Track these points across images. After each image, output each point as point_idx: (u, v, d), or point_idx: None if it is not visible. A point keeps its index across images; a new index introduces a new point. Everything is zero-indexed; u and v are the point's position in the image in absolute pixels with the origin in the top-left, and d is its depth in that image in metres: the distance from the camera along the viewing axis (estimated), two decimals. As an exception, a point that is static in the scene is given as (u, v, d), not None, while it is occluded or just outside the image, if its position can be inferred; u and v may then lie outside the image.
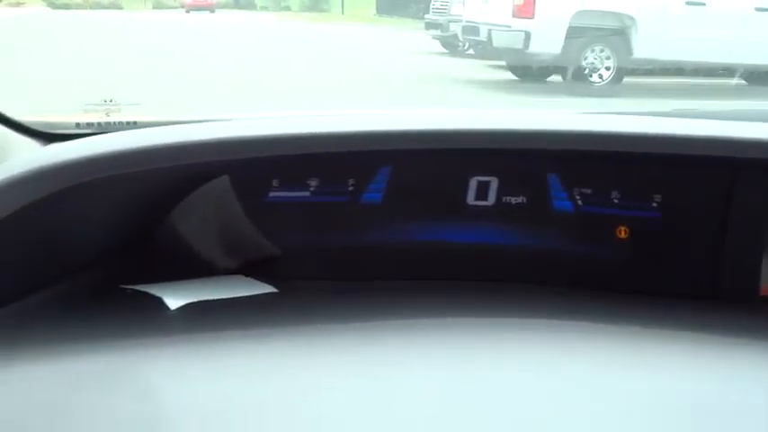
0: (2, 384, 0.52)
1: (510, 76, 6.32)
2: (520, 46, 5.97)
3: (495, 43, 6.22)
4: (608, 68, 5.99)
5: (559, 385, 0.54)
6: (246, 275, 0.78)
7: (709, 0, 6.00)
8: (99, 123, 0.91)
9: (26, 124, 0.88)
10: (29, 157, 0.65)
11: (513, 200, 0.81)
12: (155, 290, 0.71)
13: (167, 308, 0.67)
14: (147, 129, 0.67)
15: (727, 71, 6.16)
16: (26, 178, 0.61)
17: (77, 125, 0.91)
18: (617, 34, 6.08)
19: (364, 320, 0.66)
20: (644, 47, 5.96)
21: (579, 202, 0.81)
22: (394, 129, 0.70)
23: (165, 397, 0.51)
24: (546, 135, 0.72)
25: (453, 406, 0.51)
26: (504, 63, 6.46)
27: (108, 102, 0.94)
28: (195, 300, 0.69)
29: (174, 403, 0.50)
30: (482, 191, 0.81)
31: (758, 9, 5.97)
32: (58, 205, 0.65)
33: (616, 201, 0.80)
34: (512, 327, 0.66)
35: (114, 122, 0.91)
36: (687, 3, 5.99)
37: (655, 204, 0.80)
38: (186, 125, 0.71)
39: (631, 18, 6.02)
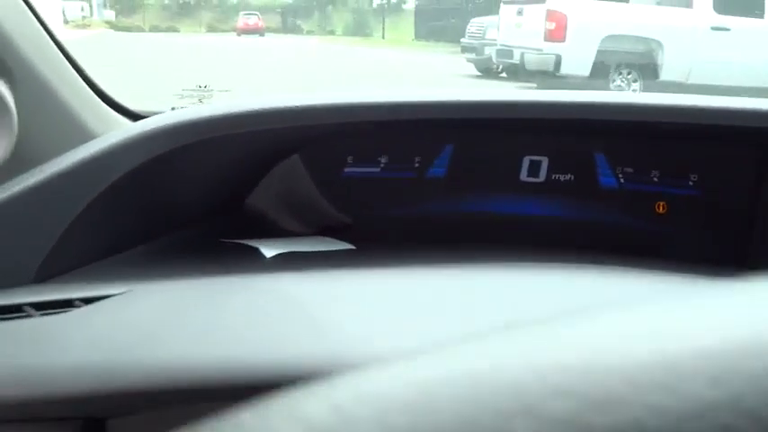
0: (150, 296, 0.60)
1: (540, 97, 6.44)
2: (551, 68, 6.10)
3: (528, 66, 6.35)
4: (635, 91, 6.12)
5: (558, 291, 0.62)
6: None
7: (734, 25, 6.09)
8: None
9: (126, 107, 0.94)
10: (142, 122, 0.73)
11: (562, 177, 0.89)
12: (251, 242, 0.81)
13: (263, 256, 0.78)
14: (251, 98, 0.75)
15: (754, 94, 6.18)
16: (144, 137, 0.69)
17: (172, 109, 1.00)
18: (644, 58, 6.17)
19: (434, 259, 0.75)
20: (670, 70, 6.04)
21: (622, 180, 0.88)
22: (464, 99, 0.79)
23: (290, 294, 0.60)
24: (602, 107, 0.78)
25: (491, 306, 0.58)
26: (535, 85, 6.52)
27: (202, 87, 1.12)
28: (287, 251, 0.81)
29: (296, 299, 0.59)
30: (534, 169, 0.89)
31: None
32: (166, 169, 0.73)
33: (656, 179, 0.87)
34: (546, 268, 0.70)
35: (205, 108, 1.06)
36: (713, 28, 6.09)
37: (691, 183, 0.86)
38: (275, 95, 0.78)
39: (658, 42, 6.13)
